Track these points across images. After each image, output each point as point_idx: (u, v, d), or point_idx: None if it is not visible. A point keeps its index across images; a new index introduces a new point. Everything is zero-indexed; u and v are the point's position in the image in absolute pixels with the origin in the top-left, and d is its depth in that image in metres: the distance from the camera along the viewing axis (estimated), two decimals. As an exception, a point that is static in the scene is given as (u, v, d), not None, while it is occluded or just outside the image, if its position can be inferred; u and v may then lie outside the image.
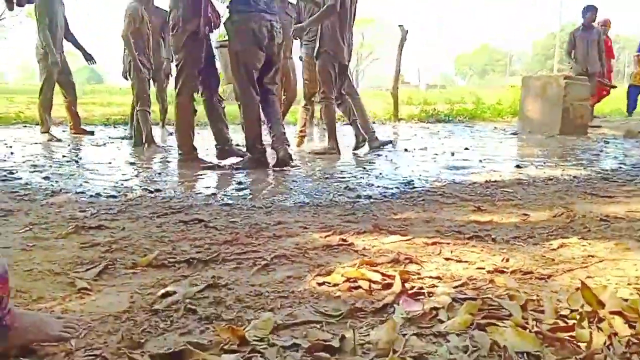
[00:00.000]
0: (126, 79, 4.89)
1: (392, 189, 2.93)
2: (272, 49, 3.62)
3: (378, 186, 3.01)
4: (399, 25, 9.13)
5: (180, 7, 3.56)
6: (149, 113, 4.84)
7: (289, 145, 3.77)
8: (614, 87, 7.88)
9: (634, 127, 6.95)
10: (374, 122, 8.95)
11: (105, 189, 2.81)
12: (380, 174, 3.51)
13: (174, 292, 1.30)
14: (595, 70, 7.62)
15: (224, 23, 3.68)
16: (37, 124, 7.41)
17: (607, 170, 3.68)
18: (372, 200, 2.61)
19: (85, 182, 3.05)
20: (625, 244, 1.74)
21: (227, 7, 3.57)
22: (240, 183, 3.07)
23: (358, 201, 2.57)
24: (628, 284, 1.38)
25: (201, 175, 3.43)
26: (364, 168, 3.81)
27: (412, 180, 3.20)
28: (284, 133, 3.72)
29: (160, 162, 4.10)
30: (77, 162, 3.84)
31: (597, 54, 7.72)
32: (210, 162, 3.73)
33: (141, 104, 4.74)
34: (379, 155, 4.57)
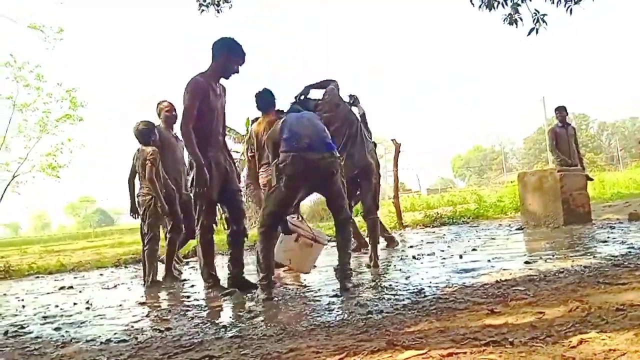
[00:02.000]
0: (134, 217, 5.01)
1: (403, 300, 2.90)
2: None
3: (389, 298, 2.98)
4: (392, 140, 9.53)
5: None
6: (157, 251, 4.90)
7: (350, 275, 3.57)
8: (592, 179, 8.37)
9: (638, 208, 6.98)
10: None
11: (115, 333, 2.78)
12: (390, 285, 3.48)
13: None
14: (575, 163, 8.04)
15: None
16: (50, 273, 7.50)
17: (616, 256, 3.66)
18: (384, 314, 2.57)
19: (95, 328, 3.02)
20: (645, 333, 1.70)
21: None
22: (250, 311, 3.04)
23: (370, 317, 2.53)
24: (654, 376, 1.34)
25: (212, 306, 3.40)
26: (374, 280, 3.78)
27: (423, 289, 3.17)
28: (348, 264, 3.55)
29: (170, 298, 4.08)
30: (87, 308, 3.82)
31: (575, 147, 8.28)
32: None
33: (152, 242, 4.81)
34: (388, 264, 4.56)
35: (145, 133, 4.87)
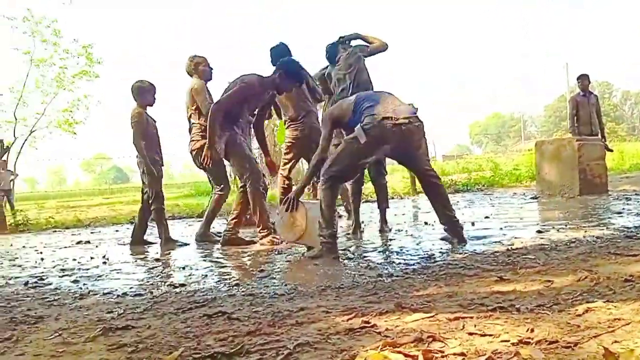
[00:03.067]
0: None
1: (413, 264, 2.94)
2: None
3: (399, 263, 3.02)
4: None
5: None
6: (164, 210, 4.97)
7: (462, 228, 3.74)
8: (611, 150, 8.22)
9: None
10: (392, 198, 9.04)
11: (131, 287, 2.87)
12: (401, 249, 3.52)
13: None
14: (596, 132, 7.91)
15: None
16: (67, 228, 7.70)
17: (630, 227, 3.64)
18: (393, 278, 2.61)
19: (112, 282, 3.12)
20: (652, 304, 1.71)
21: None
22: (262, 270, 3.10)
23: (380, 280, 2.58)
24: (657, 346, 1.36)
25: (226, 265, 3.48)
26: (385, 244, 3.83)
27: (433, 254, 3.21)
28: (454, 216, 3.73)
29: (184, 256, 4.17)
30: (104, 262, 3.93)
31: (597, 117, 8.13)
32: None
33: (156, 202, 4.85)
34: (399, 230, 4.59)
35: (136, 91, 4.85)
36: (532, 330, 1.57)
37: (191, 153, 4.88)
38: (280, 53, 4.75)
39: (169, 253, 4.33)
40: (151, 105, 4.94)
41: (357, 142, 3.47)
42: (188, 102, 4.92)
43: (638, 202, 5.41)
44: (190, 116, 4.92)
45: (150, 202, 4.86)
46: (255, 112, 4.55)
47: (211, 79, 5.11)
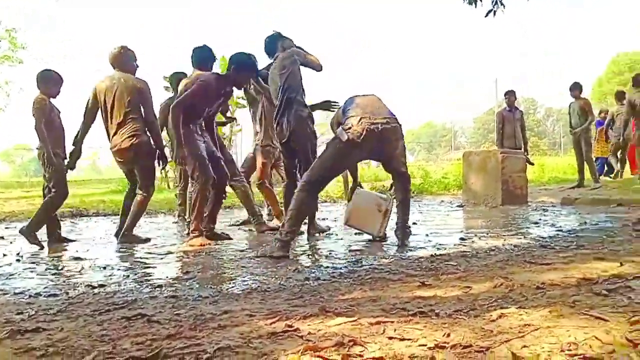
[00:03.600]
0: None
1: (340, 268, 2.97)
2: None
3: (327, 266, 3.04)
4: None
5: None
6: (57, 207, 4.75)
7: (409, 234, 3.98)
8: (532, 163, 8.73)
9: (571, 193, 7.36)
10: (325, 202, 9.12)
11: (45, 287, 2.72)
12: (330, 253, 3.55)
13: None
14: (521, 146, 8.35)
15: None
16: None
17: (545, 237, 3.86)
18: (320, 281, 2.63)
19: (25, 281, 2.93)
20: (559, 311, 1.82)
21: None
22: (187, 272, 3.03)
23: (306, 283, 2.58)
24: (561, 351, 1.44)
25: (150, 265, 3.37)
26: (314, 248, 3.85)
27: (361, 259, 3.25)
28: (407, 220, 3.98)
29: (105, 255, 4.00)
30: (18, 260, 3.70)
31: (521, 132, 8.58)
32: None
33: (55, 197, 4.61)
34: (329, 234, 4.63)
35: (41, 79, 4.61)
36: (449, 335, 1.63)
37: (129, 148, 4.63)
38: (269, 42, 4.73)
39: (98, 249, 4.13)
40: (54, 97, 4.68)
41: (339, 142, 3.67)
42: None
43: (554, 213, 5.76)
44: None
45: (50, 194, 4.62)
46: (212, 111, 4.56)
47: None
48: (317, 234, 4.56)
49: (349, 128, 3.65)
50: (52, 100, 4.61)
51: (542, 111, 76.89)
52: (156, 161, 4.68)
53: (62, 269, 3.32)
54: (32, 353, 1.63)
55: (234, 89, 4.57)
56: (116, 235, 4.72)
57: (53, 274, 3.15)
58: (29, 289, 2.68)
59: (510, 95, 8.61)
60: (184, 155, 4.34)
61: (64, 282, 2.87)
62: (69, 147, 4.72)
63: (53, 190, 4.56)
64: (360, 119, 3.66)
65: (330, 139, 3.88)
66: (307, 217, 4.58)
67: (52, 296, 2.49)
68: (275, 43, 4.65)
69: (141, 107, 4.56)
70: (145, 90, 4.57)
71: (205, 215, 4.42)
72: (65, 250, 4.29)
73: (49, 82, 4.60)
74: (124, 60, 4.66)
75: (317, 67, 4.58)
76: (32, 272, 3.25)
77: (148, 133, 4.57)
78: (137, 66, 4.77)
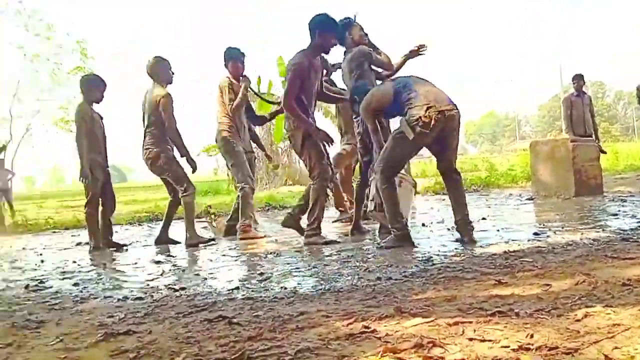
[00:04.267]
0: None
1: (412, 267, 2.95)
2: None
3: (398, 266, 3.03)
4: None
5: None
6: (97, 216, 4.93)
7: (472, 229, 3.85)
8: (605, 152, 8.23)
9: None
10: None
11: (132, 291, 2.88)
12: (399, 252, 3.53)
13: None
14: (590, 133, 7.93)
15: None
16: (66, 229, 7.67)
17: (626, 230, 3.67)
18: (392, 281, 2.62)
19: (112, 285, 3.12)
20: (650, 309, 1.74)
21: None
22: (262, 273, 3.11)
23: (379, 283, 2.59)
24: (656, 352, 1.38)
25: (225, 267, 3.49)
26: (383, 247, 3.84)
27: (432, 257, 3.22)
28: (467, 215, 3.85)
29: (185, 258, 4.17)
30: (104, 265, 3.93)
31: (590, 117, 8.13)
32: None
33: (89, 205, 4.83)
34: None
35: (84, 85, 4.83)
36: (532, 336, 1.59)
37: (146, 162, 4.86)
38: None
39: (171, 255, 4.33)
40: (98, 102, 4.87)
41: (405, 138, 3.62)
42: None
43: (633, 204, 5.45)
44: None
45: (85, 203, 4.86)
46: (315, 89, 4.42)
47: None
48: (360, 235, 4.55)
49: (417, 120, 3.53)
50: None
51: (612, 95, 72.83)
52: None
53: (146, 272, 3.50)
54: (126, 355, 1.74)
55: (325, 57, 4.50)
56: (156, 241, 4.97)
57: (138, 277, 3.33)
58: (117, 293, 2.84)
59: (578, 79, 8.21)
60: (300, 150, 4.34)
61: (148, 285, 3.03)
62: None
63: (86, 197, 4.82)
64: (428, 108, 3.53)
65: (396, 130, 3.76)
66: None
67: (139, 299, 2.64)
68: (344, 32, 4.44)
69: (162, 119, 4.67)
70: (165, 102, 4.65)
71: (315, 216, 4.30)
72: (145, 253, 4.51)
73: (93, 87, 4.84)
74: (159, 70, 4.82)
75: (388, 67, 4.51)
76: (118, 276, 3.44)
77: (165, 144, 4.74)
78: (173, 74, 4.91)
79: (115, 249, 4.87)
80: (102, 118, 4.97)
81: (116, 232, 6.71)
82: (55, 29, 18.14)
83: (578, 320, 1.71)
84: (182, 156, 4.80)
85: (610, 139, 30.40)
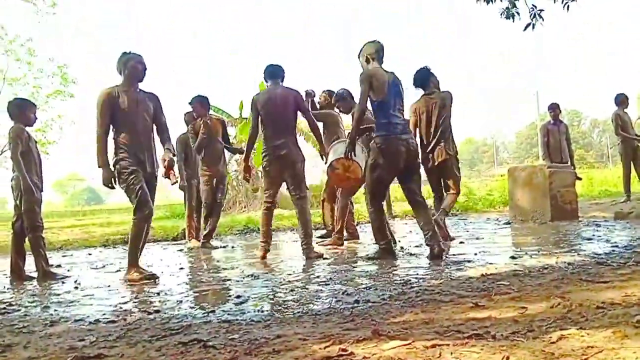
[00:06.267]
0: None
1: (390, 290, 2.94)
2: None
3: (376, 288, 3.02)
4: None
5: None
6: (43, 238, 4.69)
7: (441, 242, 4.22)
8: (580, 178, 8.40)
9: (623, 207, 7.08)
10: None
11: (104, 314, 2.81)
12: (377, 274, 3.53)
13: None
14: (566, 160, 8.10)
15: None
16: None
17: (600, 254, 3.73)
18: (370, 304, 2.61)
19: (84, 308, 3.04)
20: (623, 332, 1.75)
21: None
22: (238, 296, 3.07)
23: (357, 306, 2.57)
24: (629, 374, 1.39)
25: (200, 290, 3.43)
26: (362, 269, 3.83)
27: (410, 280, 3.22)
28: (436, 232, 4.21)
29: (161, 281, 4.09)
30: (76, 287, 3.84)
31: (567, 145, 8.28)
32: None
33: (33, 229, 4.55)
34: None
35: (16, 109, 4.58)
36: (508, 358, 1.59)
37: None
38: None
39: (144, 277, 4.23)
40: (31, 125, 4.67)
41: (377, 163, 4.22)
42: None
43: (607, 229, 5.55)
44: None
45: (26, 228, 4.56)
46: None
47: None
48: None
49: (383, 146, 4.19)
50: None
51: (587, 123, 74.64)
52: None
53: (119, 295, 3.42)
54: (96, 379, 1.69)
55: None
56: None
57: (110, 300, 3.25)
58: (88, 316, 2.77)
59: (554, 108, 8.41)
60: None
61: (121, 308, 2.96)
62: None
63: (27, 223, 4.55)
64: (394, 139, 4.20)
65: (370, 158, 4.36)
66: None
67: (111, 322, 2.57)
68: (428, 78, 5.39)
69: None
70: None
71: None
72: (119, 276, 4.41)
73: (26, 110, 4.59)
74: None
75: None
76: (90, 299, 3.36)
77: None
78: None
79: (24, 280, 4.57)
80: (36, 142, 4.73)
81: (89, 254, 6.60)
82: (36, 53, 18.05)
83: (553, 343, 1.72)
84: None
85: (585, 166, 31.06)
